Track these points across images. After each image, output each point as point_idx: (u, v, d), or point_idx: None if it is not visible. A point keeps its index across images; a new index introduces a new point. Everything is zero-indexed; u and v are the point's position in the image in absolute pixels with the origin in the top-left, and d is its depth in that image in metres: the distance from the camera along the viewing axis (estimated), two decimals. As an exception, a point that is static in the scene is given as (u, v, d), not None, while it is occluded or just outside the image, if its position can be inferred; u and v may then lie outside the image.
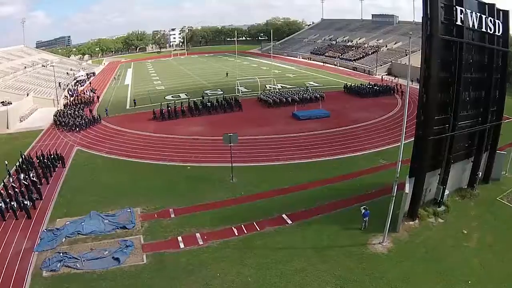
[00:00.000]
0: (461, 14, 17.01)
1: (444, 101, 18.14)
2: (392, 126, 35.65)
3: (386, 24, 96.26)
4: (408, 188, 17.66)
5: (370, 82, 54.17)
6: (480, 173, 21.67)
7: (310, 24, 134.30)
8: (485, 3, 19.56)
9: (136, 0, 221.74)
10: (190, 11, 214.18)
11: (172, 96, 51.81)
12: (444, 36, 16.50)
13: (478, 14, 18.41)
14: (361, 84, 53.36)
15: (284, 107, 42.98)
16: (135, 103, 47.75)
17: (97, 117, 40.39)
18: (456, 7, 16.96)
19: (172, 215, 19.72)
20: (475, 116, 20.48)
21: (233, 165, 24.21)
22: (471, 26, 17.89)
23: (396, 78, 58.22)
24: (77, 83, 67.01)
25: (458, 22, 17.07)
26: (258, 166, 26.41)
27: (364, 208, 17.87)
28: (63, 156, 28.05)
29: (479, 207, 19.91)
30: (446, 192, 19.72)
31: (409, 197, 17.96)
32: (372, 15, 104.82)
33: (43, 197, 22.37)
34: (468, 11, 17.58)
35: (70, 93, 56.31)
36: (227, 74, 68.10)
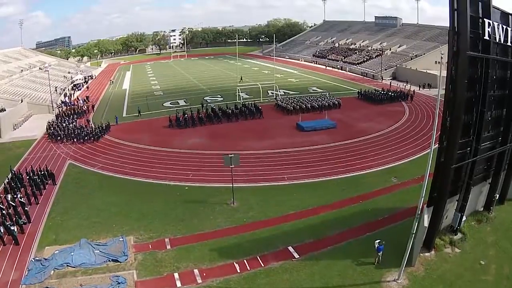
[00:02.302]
0: (488, 27, 15.34)
1: (467, 123, 16.52)
2: (402, 138, 34.00)
3: (389, 27, 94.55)
4: (426, 220, 16.12)
5: (384, 88, 52.42)
6: (497, 195, 20.21)
7: (311, 26, 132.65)
8: (509, 14, 17.98)
9: (136, 0, 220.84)
10: (191, 12, 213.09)
11: (170, 103, 50.23)
12: (472, 53, 14.79)
13: (504, 27, 16.81)
14: (375, 90, 51.84)
15: (291, 116, 41.39)
16: (139, 111, 44.89)
17: (106, 125, 38.43)
18: (484, 19, 15.29)
19: (168, 246, 18.10)
20: (495, 136, 18.94)
21: (234, 185, 22.52)
22: (497, 40, 16.26)
23: (409, 84, 56.14)
24: (74, 87, 65.39)
25: (486, 37, 15.40)
26: (261, 187, 24.61)
27: (378, 243, 16.27)
28: (53, 173, 26.42)
29: (495, 233, 18.73)
30: (464, 218, 18.24)
31: (427, 229, 16.45)
32: (375, 17, 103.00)
33: (31, 220, 20.91)
34: (495, 24, 15.94)
35: (64, 100, 53.71)
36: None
